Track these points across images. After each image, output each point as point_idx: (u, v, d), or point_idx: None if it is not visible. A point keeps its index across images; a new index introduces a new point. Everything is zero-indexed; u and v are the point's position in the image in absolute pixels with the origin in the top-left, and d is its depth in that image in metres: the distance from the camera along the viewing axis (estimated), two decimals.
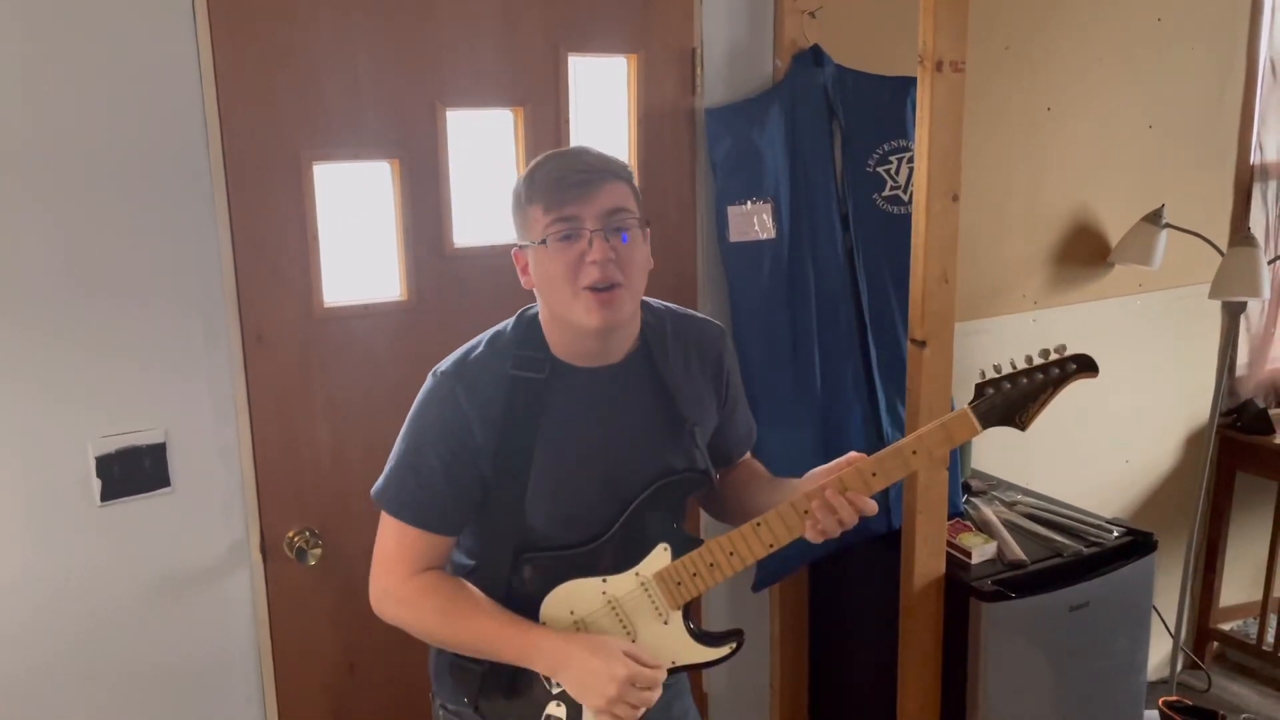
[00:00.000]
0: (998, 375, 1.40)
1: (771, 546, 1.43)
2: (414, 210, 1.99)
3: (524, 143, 2.07)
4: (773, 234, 2.26)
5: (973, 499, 2.55)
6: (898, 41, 2.36)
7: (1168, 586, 3.13)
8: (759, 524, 1.43)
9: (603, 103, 2.19)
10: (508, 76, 2.04)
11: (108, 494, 1.81)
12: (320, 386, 1.97)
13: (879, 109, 2.31)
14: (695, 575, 1.44)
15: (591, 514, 1.45)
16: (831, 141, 2.29)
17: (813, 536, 1.42)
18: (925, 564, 2.16)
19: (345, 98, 1.90)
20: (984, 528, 2.37)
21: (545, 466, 1.43)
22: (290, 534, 1.98)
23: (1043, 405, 1.38)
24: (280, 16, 1.82)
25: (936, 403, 2.10)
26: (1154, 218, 2.86)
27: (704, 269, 2.33)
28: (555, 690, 1.44)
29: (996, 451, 2.82)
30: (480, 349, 1.46)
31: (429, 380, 1.45)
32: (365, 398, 1.99)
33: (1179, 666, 3.16)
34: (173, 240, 1.80)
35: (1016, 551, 2.25)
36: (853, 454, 1.46)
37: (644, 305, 1.51)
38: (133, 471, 1.83)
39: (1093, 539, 2.32)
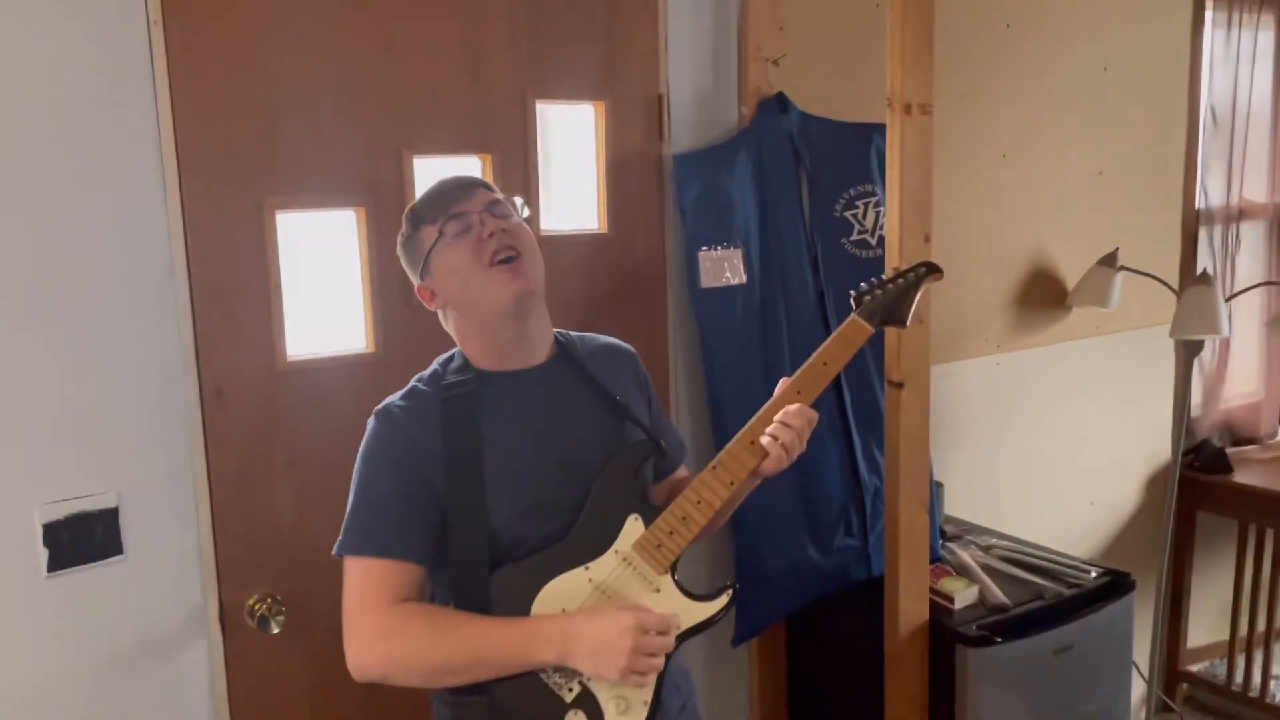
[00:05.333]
0: (868, 286, 1.55)
1: (732, 484, 1.46)
2: (380, 259, 1.93)
3: None
4: (744, 279, 2.24)
5: (948, 544, 2.52)
6: (860, 87, 2.38)
7: (1138, 629, 3.12)
8: (715, 466, 1.47)
9: (571, 149, 2.17)
10: (475, 123, 2.01)
11: (55, 563, 1.70)
12: (283, 443, 1.88)
13: (844, 154, 2.32)
14: (672, 533, 1.45)
15: (556, 501, 1.44)
16: (799, 187, 2.29)
17: (769, 464, 1.47)
18: (910, 610, 2.12)
19: (308, 144, 1.85)
20: (963, 572, 2.33)
21: (498, 464, 1.43)
22: (251, 601, 1.87)
23: (912, 302, 1.56)
24: (241, 62, 1.77)
25: (915, 445, 2.08)
26: (1109, 260, 2.91)
27: (675, 315, 2.30)
28: (570, 698, 1.39)
29: (966, 495, 2.81)
30: (409, 385, 1.52)
31: (368, 425, 1.48)
32: (330, 454, 1.90)
33: (1152, 710, 3.15)
34: (127, 291, 1.72)
35: (999, 595, 2.22)
36: (782, 380, 1.52)
37: (554, 332, 1.57)
38: (83, 539, 1.72)
39: (1072, 580, 2.30)
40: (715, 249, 2.22)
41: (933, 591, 2.20)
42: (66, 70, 1.64)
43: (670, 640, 1.38)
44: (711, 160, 2.24)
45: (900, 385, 2.04)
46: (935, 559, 2.36)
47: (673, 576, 1.45)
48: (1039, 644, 2.16)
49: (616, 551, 1.44)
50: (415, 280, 1.52)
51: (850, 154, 2.33)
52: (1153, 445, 3.30)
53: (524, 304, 1.45)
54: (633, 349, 1.67)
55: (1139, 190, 3.13)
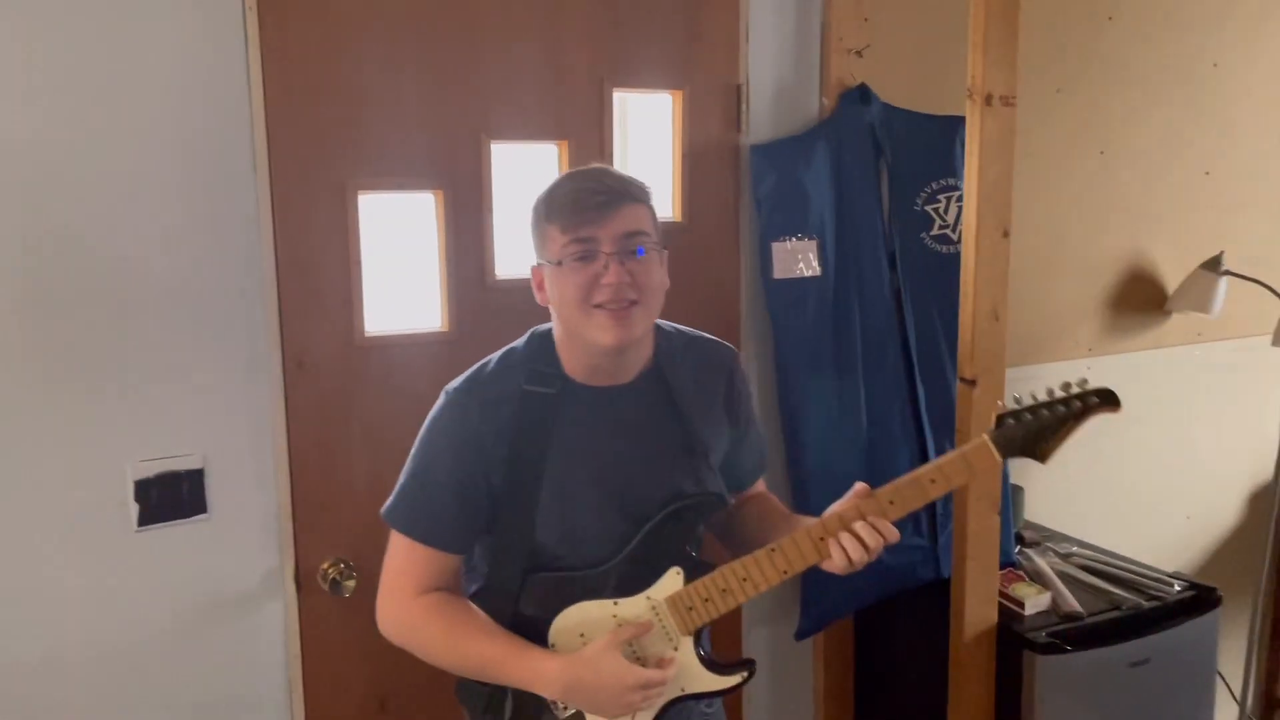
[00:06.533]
0: (1019, 406, 1.35)
1: (785, 573, 1.40)
2: (457, 241, 1.99)
3: None
4: (818, 271, 2.22)
5: (1026, 550, 2.45)
6: (946, 80, 2.34)
7: (1232, 651, 2.98)
8: (774, 549, 1.40)
9: (648, 138, 2.19)
10: (552, 110, 2.05)
11: (144, 519, 1.80)
12: (359, 415, 1.95)
13: (927, 147, 2.29)
14: (707, 600, 1.41)
15: (602, 534, 1.42)
16: (878, 179, 2.26)
17: (832, 566, 1.38)
18: (976, 613, 2.08)
19: (391, 129, 1.92)
20: (1037, 578, 2.27)
21: (556, 482, 1.41)
22: (325, 565, 1.96)
23: (1063, 438, 1.34)
24: (330, 48, 1.85)
25: None
26: (1213, 264, 2.79)
27: (747, 305, 2.30)
28: (564, 716, 1.42)
29: (1051, 503, 2.73)
30: (492, 365, 1.47)
31: (441, 398, 1.46)
32: (403, 428, 1.93)
33: None
34: (217, 265, 1.81)
35: (1072, 603, 2.15)
36: (861, 485, 1.42)
37: (656, 327, 1.49)
38: (170, 497, 1.82)
39: (1153, 593, 2.22)
40: (789, 240, 2.21)
41: (1003, 596, 2.15)
42: (167, 54, 1.74)
43: (665, 687, 1.38)
44: (789, 151, 2.23)
45: (973, 383, 2.01)
46: (1008, 563, 2.31)
47: (695, 640, 1.43)
48: (1113, 655, 2.10)
49: (648, 598, 1.41)
50: (536, 257, 1.45)
51: (933, 147, 2.29)
52: (1259, 460, 3.13)
53: (621, 350, 1.40)
54: (734, 351, 1.60)
55: (1249, 193, 2.98)
